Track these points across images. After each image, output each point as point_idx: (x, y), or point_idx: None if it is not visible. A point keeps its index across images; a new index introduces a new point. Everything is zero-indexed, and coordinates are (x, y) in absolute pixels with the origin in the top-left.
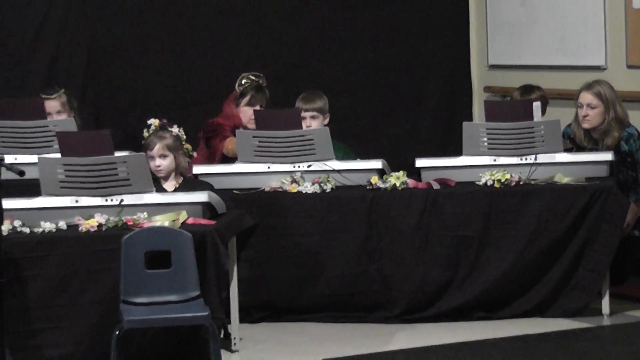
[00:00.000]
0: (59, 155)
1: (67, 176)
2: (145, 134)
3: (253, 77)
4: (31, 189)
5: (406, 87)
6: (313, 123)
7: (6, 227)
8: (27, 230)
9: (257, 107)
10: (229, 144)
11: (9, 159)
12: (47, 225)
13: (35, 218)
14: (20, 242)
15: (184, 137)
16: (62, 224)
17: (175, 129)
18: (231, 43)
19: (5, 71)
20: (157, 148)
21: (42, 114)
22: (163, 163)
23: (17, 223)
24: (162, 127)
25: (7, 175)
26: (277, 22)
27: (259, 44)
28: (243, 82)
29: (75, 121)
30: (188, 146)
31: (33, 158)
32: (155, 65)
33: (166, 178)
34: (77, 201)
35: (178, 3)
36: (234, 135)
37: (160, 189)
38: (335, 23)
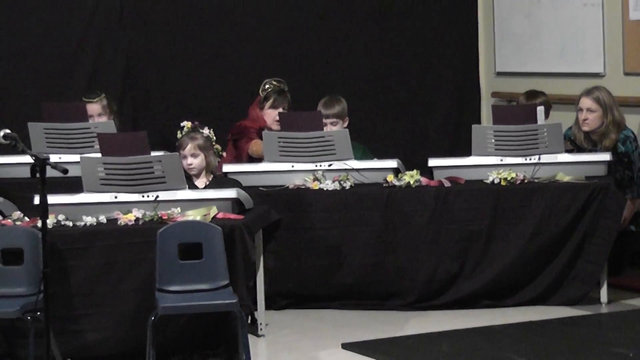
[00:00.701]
0: (99, 155)
1: (106, 174)
2: (179, 135)
3: (275, 82)
4: (74, 186)
5: (420, 92)
6: (335, 126)
7: (51, 220)
8: (70, 223)
9: (280, 110)
10: (254, 146)
11: (53, 158)
12: (89, 219)
13: (77, 213)
14: (64, 234)
15: (214, 138)
16: (102, 218)
17: (205, 131)
18: (255, 52)
19: (51, 78)
20: (189, 148)
21: (85, 117)
22: (195, 162)
23: (61, 217)
24: (194, 129)
25: (52, 173)
26: (298, 32)
27: (282, 52)
28: (266, 87)
29: (114, 123)
30: (218, 146)
31: (76, 157)
32: (187, 72)
33: (197, 176)
34: (116, 197)
35: (207, 18)
36: (259, 137)
37: (192, 186)
38: (354, 34)
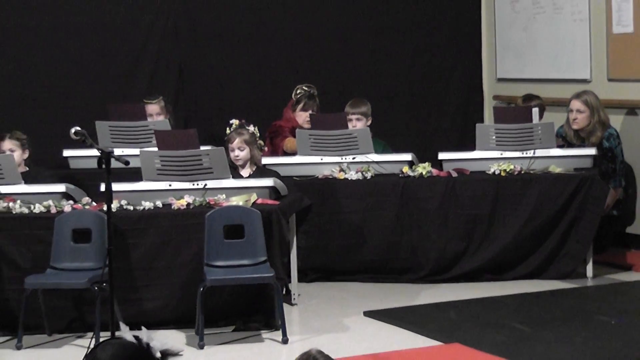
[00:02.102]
0: (156, 149)
1: (162, 165)
2: (227, 130)
3: (306, 88)
4: (134, 175)
5: (432, 95)
6: (358, 124)
7: (115, 205)
8: (131, 207)
9: (310, 112)
10: (288, 142)
11: (117, 151)
12: (147, 204)
13: (137, 198)
14: (126, 217)
15: (258, 134)
16: (159, 203)
17: (251, 127)
18: (289, 61)
19: (115, 82)
20: (237, 142)
21: (144, 116)
22: (241, 154)
23: (123, 202)
24: (241, 126)
25: (116, 164)
26: (327, 45)
27: (312, 61)
28: (298, 92)
29: (169, 122)
30: (261, 142)
31: (136, 151)
32: (231, 78)
33: (243, 166)
34: (170, 185)
35: (248, 31)
36: (292, 135)
37: (238, 176)
38: (376, 46)
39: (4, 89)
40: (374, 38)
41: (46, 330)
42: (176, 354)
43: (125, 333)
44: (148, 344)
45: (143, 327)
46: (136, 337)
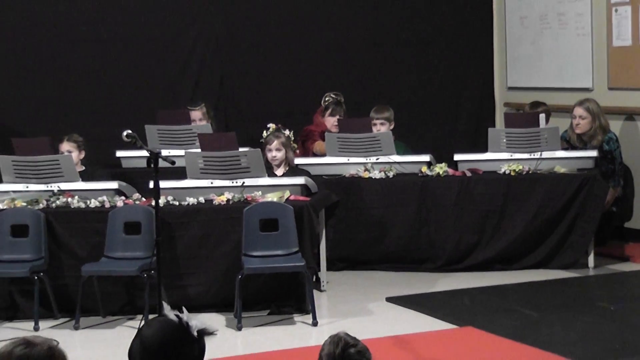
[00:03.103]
0: (199, 150)
1: (205, 165)
2: (264, 134)
3: (334, 95)
4: (180, 174)
5: (448, 102)
6: (382, 128)
7: (162, 200)
8: (177, 203)
9: (337, 117)
10: (318, 146)
11: (164, 152)
12: (191, 200)
13: (182, 194)
14: (172, 211)
15: (293, 138)
16: (201, 199)
17: (287, 131)
18: (319, 70)
19: (162, 90)
20: (275, 144)
21: (188, 121)
22: (278, 155)
23: (169, 198)
24: (278, 129)
25: (163, 164)
26: (354, 57)
27: (340, 71)
28: (326, 99)
29: (211, 126)
30: (295, 144)
31: (181, 152)
32: (267, 86)
33: (278, 166)
34: (212, 183)
35: (283, 44)
36: (321, 139)
37: (272, 175)
38: (399, 58)
39: (64, 96)
40: (396, 50)
41: (100, 312)
42: (211, 333)
43: (168, 312)
44: (187, 323)
45: (184, 309)
46: (177, 316)
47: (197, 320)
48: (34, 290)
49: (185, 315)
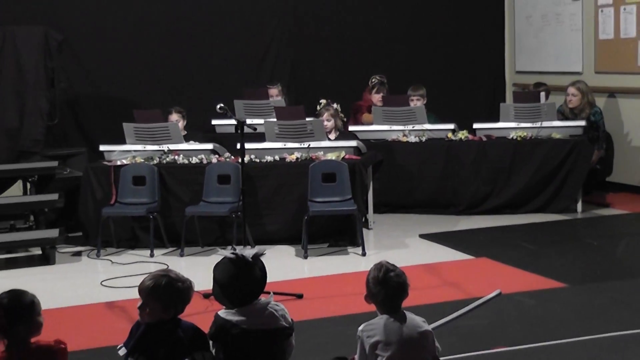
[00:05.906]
0: (275, 119)
1: (279, 131)
2: (318, 107)
3: (378, 77)
4: (260, 138)
5: (469, 83)
6: (417, 103)
7: (247, 158)
8: (258, 160)
9: (381, 94)
10: (366, 117)
11: (249, 121)
12: (269, 158)
13: (262, 154)
14: (254, 166)
15: (340, 109)
16: (277, 157)
17: (335, 105)
18: (367, 56)
19: (247, 73)
20: (326, 115)
21: (267, 97)
22: (328, 124)
23: (252, 156)
24: (327, 103)
25: (247, 130)
26: (396, 47)
27: (384, 57)
28: (373, 80)
29: (284, 101)
30: (342, 115)
31: (261, 121)
32: (328, 69)
33: (330, 132)
34: (285, 145)
35: (338, 36)
36: (369, 112)
37: (327, 139)
38: (429, 47)
39: (173, 77)
40: (428, 41)
41: (200, 243)
42: (262, 254)
43: (226, 252)
44: (242, 255)
45: (243, 246)
46: (233, 253)
47: (249, 250)
48: (150, 225)
49: (239, 249)
